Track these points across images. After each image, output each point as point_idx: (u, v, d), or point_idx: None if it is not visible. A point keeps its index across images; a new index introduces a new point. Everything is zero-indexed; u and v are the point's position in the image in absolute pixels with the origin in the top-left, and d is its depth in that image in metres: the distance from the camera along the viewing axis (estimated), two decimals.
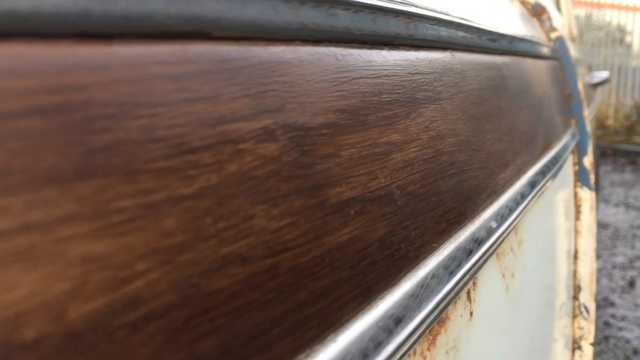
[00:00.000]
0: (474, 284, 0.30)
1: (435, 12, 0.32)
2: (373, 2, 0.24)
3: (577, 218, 0.71)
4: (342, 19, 0.21)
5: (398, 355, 0.19)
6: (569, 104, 0.75)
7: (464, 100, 0.31)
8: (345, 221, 0.18)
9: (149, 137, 0.12)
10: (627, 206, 4.52)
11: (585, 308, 0.68)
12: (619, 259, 3.37)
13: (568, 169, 0.72)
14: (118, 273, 0.11)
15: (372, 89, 0.21)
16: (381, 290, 0.19)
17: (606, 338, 2.42)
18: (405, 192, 0.22)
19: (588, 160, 0.72)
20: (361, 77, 0.21)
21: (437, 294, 0.23)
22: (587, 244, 0.69)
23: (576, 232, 0.71)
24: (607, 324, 2.55)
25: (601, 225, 4.01)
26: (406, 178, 0.23)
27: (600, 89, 8.72)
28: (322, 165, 0.17)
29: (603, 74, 1.85)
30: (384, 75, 0.23)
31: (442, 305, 0.23)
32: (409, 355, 0.22)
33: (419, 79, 0.26)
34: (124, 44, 0.13)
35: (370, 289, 0.18)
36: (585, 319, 0.67)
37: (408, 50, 0.24)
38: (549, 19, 0.80)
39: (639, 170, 5.87)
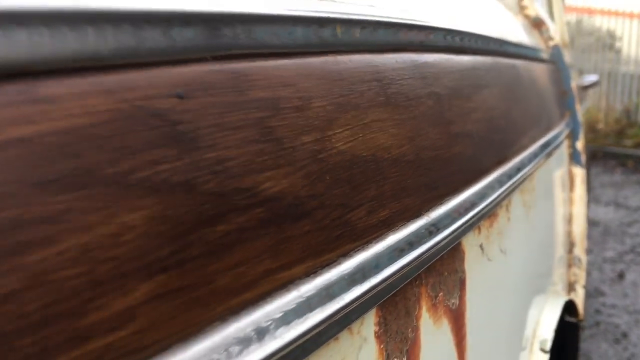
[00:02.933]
0: (510, 201, 0.48)
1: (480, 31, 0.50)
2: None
3: (571, 190, 0.89)
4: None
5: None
6: (565, 99, 0.93)
7: (499, 89, 0.49)
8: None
9: None
10: (617, 205, 4.71)
11: (579, 259, 0.86)
12: (609, 254, 3.55)
13: (564, 150, 0.90)
14: None
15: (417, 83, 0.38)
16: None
17: (597, 323, 2.60)
18: (472, 137, 0.39)
19: (580, 144, 0.91)
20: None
21: (489, 199, 0.40)
22: (579, 210, 0.87)
23: (571, 201, 0.89)
24: (598, 311, 2.73)
25: (592, 223, 4.20)
26: (473, 126, 0.40)
27: (591, 93, 8.92)
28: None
29: (592, 78, 2.03)
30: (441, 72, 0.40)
31: (491, 207, 0.41)
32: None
33: (478, 73, 0.44)
34: None
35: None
36: (579, 267, 0.85)
37: (461, 55, 0.41)
38: (547, 29, 0.99)
39: (628, 172, 6.06)
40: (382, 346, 0.25)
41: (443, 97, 0.35)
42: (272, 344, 0.17)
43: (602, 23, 9.30)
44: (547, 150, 0.64)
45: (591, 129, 8.08)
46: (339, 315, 0.21)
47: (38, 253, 0.12)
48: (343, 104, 0.24)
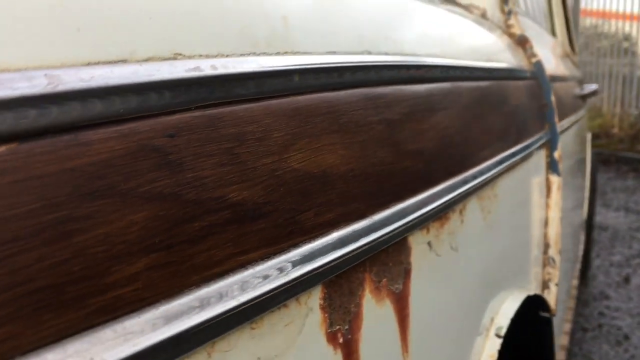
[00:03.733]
0: (464, 206, 0.56)
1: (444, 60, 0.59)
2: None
3: (547, 196, 0.97)
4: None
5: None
6: (544, 112, 1.01)
7: (457, 109, 0.57)
8: None
9: None
10: (627, 210, 4.74)
11: (553, 259, 0.93)
12: (617, 258, 3.60)
13: (541, 159, 0.98)
14: None
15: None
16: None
17: (600, 325, 2.66)
18: (428, 153, 0.48)
19: (557, 154, 0.98)
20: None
21: (436, 204, 0.48)
22: (554, 214, 0.95)
23: (547, 206, 0.97)
24: (601, 314, 2.79)
25: (601, 228, 4.24)
26: (428, 143, 0.49)
27: (605, 98, 8.90)
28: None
29: (592, 87, 2.10)
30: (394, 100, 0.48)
31: (440, 211, 0.49)
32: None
33: (434, 99, 0.52)
34: None
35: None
36: (552, 267, 0.93)
37: (416, 84, 0.49)
38: (531, 47, 1.06)
39: None
40: (326, 315, 0.33)
41: (394, 122, 0.43)
42: (231, 302, 0.25)
43: (618, 27, 9.26)
44: (512, 160, 0.72)
45: (606, 133, 8.08)
46: (286, 287, 0.29)
47: (80, 236, 0.21)
48: (298, 133, 0.33)
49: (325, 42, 0.39)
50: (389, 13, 0.55)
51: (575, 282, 2.10)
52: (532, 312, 0.90)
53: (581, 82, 2.14)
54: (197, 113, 0.27)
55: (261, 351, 0.28)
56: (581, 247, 2.47)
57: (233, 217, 0.27)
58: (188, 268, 0.24)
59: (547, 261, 0.92)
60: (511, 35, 1.06)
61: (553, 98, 1.02)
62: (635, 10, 9.14)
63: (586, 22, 10.09)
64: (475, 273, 0.59)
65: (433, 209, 0.47)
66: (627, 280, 3.22)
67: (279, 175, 0.30)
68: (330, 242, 0.33)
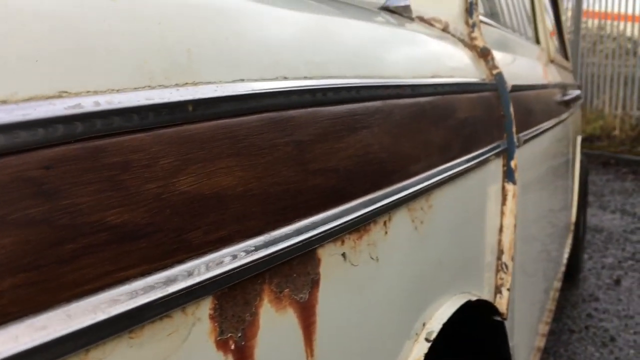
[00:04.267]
0: (390, 218, 0.60)
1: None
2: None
3: (503, 204, 1.00)
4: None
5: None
6: (502, 123, 1.04)
7: (385, 127, 0.61)
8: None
9: None
10: (623, 213, 4.75)
11: (505, 265, 0.97)
12: (609, 260, 3.62)
13: (498, 168, 1.01)
14: None
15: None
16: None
17: (587, 327, 2.68)
18: (348, 170, 0.51)
19: (514, 163, 1.02)
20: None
21: (351, 217, 0.51)
22: (509, 221, 0.98)
23: (502, 213, 1.00)
24: (589, 315, 2.81)
25: (595, 230, 4.26)
26: (356, 160, 0.52)
27: (607, 100, 8.89)
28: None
29: (576, 92, 2.13)
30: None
31: (363, 223, 0.52)
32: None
33: (357, 118, 0.56)
34: None
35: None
36: (505, 272, 0.96)
37: (334, 105, 0.52)
38: (492, 59, 1.10)
39: (639, 179, 6.09)
40: (216, 324, 0.37)
41: (304, 143, 0.46)
42: (101, 315, 0.29)
43: (625, 28, 9.22)
44: (455, 170, 0.75)
45: (607, 135, 8.08)
46: (167, 299, 0.33)
47: None
48: (190, 159, 0.36)
49: (233, 70, 0.43)
50: (318, 36, 0.58)
51: (557, 284, 2.12)
52: (486, 316, 0.93)
53: (566, 87, 2.16)
54: (77, 145, 0.30)
55: (140, 358, 0.32)
56: (567, 249, 2.49)
57: (111, 238, 0.30)
58: (57, 286, 0.28)
59: (500, 267, 0.95)
60: (474, 48, 1.09)
61: (512, 109, 1.05)
62: (638, 12, 9.14)
63: (589, 23, 10.09)
64: (405, 281, 0.62)
65: (347, 222, 0.50)
66: (617, 282, 3.24)
67: (164, 198, 0.34)
68: (221, 257, 0.37)
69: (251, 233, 0.40)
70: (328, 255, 0.48)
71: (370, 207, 0.54)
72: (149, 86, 0.35)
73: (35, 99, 0.29)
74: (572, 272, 3.18)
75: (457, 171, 0.77)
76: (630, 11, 9.36)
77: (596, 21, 9.98)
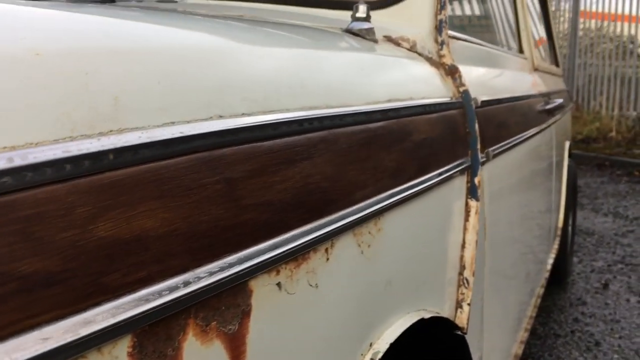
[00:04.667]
0: (332, 244, 0.62)
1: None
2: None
3: (466, 219, 1.02)
4: None
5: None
6: (467, 140, 1.06)
7: (329, 156, 0.63)
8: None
9: None
10: (616, 215, 4.77)
11: (466, 280, 0.99)
12: (599, 264, 3.64)
13: (462, 185, 1.03)
14: None
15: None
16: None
17: (572, 332, 2.70)
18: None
19: (477, 180, 1.04)
20: None
21: (287, 248, 0.54)
22: (471, 237, 1.00)
23: (465, 229, 1.02)
24: (576, 320, 2.84)
25: (587, 233, 4.28)
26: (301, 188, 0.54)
27: (604, 101, 8.89)
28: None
29: (558, 101, 2.15)
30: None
31: (301, 252, 0.55)
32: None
33: (297, 150, 0.58)
34: None
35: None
36: (466, 287, 0.98)
37: (270, 140, 0.55)
38: (460, 76, 1.12)
39: (634, 181, 6.10)
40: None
41: (236, 180, 0.49)
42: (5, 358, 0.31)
43: (623, 29, 9.21)
44: (409, 192, 0.78)
45: (603, 137, 8.09)
46: (81, 341, 0.35)
47: None
48: (109, 205, 0.38)
49: (164, 114, 0.45)
50: (262, 69, 0.60)
51: (540, 290, 2.15)
52: (447, 330, 0.96)
53: (550, 95, 2.18)
54: None
55: None
56: (552, 254, 2.51)
57: (21, 287, 0.33)
58: None
59: (461, 282, 0.97)
60: (442, 65, 1.11)
61: (477, 126, 1.07)
62: (636, 12, 9.15)
63: (587, 24, 10.11)
64: (348, 304, 0.65)
65: (283, 253, 0.52)
66: (605, 286, 3.26)
67: (80, 245, 0.36)
68: (140, 297, 0.39)
69: (174, 271, 0.42)
70: (261, 286, 0.50)
71: (309, 237, 0.56)
72: (70, 137, 0.38)
73: None
74: (560, 276, 3.20)
75: (412, 192, 0.79)
76: (627, 12, 9.35)
77: (594, 22, 9.99)
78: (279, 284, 0.53)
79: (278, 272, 0.53)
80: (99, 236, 0.37)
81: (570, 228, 3.41)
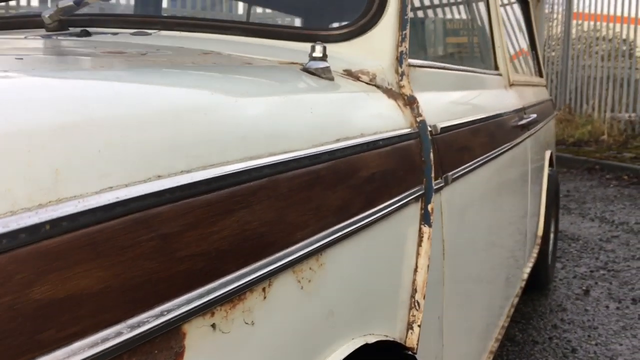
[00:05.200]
0: (270, 283, 0.68)
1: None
2: None
3: (419, 245, 1.08)
4: None
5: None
6: (422, 168, 1.12)
7: (269, 202, 0.69)
8: None
9: None
10: (602, 220, 4.83)
11: (417, 303, 1.05)
12: (581, 270, 3.70)
13: (416, 211, 1.09)
14: None
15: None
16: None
17: (550, 338, 2.76)
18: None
19: (430, 207, 1.10)
20: None
21: (221, 292, 0.59)
22: (423, 262, 1.06)
23: (417, 254, 1.08)
24: (555, 326, 2.90)
25: (572, 239, 4.34)
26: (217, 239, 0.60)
27: (595, 105, 8.94)
28: None
29: (532, 116, 2.21)
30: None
31: (237, 294, 0.60)
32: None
33: (235, 199, 0.64)
34: None
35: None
36: (417, 310, 1.04)
37: (205, 194, 0.61)
38: (417, 107, 1.17)
39: (622, 185, 6.17)
40: None
41: (171, 235, 0.55)
42: None
43: (618, 30, 9.25)
44: (352, 228, 0.83)
45: (595, 140, 8.15)
46: None
47: None
48: (46, 270, 0.44)
49: (103, 180, 0.51)
50: (205, 125, 0.66)
51: (514, 299, 2.21)
52: (399, 351, 1.02)
53: (525, 110, 2.24)
54: None
55: None
56: (529, 263, 2.57)
57: None
58: None
59: (412, 305, 1.03)
60: (402, 96, 1.17)
61: (432, 155, 1.13)
62: (633, 14, 9.21)
63: (584, 26, 10.17)
64: (286, 336, 0.70)
65: (218, 297, 0.58)
66: (586, 292, 3.33)
67: (17, 308, 0.42)
68: (74, 349, 0.45)
69: (107, 324, 0.48)
70: (195, 328, 0.56)
71: (245, 279, 0.62)
72: (10, 211, 0.43)
73: None
74: (542, 283, 3.26)
75: (358, 226, 0.85)
76: (619, 12, 9.38)
77: (587, 23, 10.04)
78: (213, 325, 0.59)
79: (213, 314, 0.59)
80: (35, 299, 0.43)
81: (552, 235, 3.47)
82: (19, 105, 0.52)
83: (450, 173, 1.27)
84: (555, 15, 10.43)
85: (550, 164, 3.24)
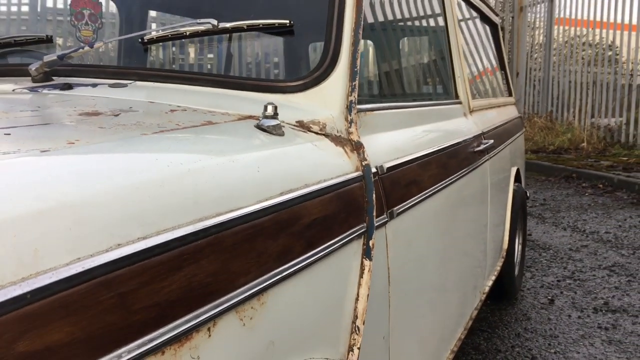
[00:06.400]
0: (215, 323, 0.82)
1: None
2: None
3: (360, 276, 1.23)
4: None
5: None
6: (366, 208, 1.27)
7: (214, 256, 0.84)
8: None
9: None
10: (574, 229, 5.00)
11: (357, 328, 1.20)
12: (549, 279, 3.87)
13: (358, 247, 1.24)
14: None
15: None
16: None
17: (513, 347, 2.93)
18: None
19: (372, 242, 1.25)
20: None
21: (178, 331, 0.74)
22: (364, 291, 1.21)
23: (359, 284, 1.23)
24: (517, 335, 3.06)
25: (543, 248, 4.51)
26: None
27: (577, 114, 9.11)
28: None
29: (489, 141, 2.37)
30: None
31: (184, 335, 0.75)
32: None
33: (187, 257, 0.79)
34: None
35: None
36: (357, 334, 1.20)
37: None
38: (363, 152, 1.33)
39: (597, 194, 6.35)
40: None
41: (129, 292, 0.69)
42: None
43: (602, 35, 9.43)
44: (292, 270, 0.98)
45: (575, 148, 8.33)
46: None
47: None
48: (27, 329, 0.58)
49: (72, 253, 0.65)
50: (156, 194, 0.80)
51: (474, 312, 2.36)
52: None
53: (482, 136, 2.40)
54: None
55: None
56: (491, 277, 2.73)
57: None
58: None
59: (353, 329, 1.19)
60: (350, 142, 1.32)
61: (374, 195, 1.28)
62: (619, 19, 9.40)
63: (571, 31, 10.37)
64: None
65: (167, 338, 0.73)
66: (551, 302, 3.49)
67: (5, 359, 0.56)
68: None
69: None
70: None
71: (192, 323, 0.77)
72: (1, 286, 0.58)
73: None
74: (508, 295, 3.42)
75: (298, 268, 1.00)
76: (605, 18, 9.54)
77: (575, 29, 10.23)
78: None
79: (163, 352, 0.74)
80: (19, 352, 0.58)
81: (520, 247, 3.63)
82: (4, 193, 0.66)
83: (396, 208, 1.43)
84: (537, 23, 10.63)
85: (517, 180, 3.41)
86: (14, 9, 2.36)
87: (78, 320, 0.63)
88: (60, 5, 2.22)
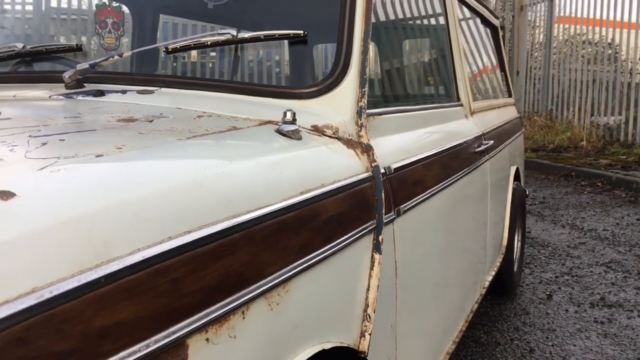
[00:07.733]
0: (248, 307, 0.94)
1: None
2: None
3: (371, 269, 1.35)
4: None
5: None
6: (375, 206, 1.39)
7: (245, 249, 0.95)
8: None
9: None
10: (572, 227, 5.12)
11: (369, 315, 1.32)
12: (547, 275, 3.98)
13: (369, 242, 1.36)
14: None
15: None
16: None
17: (512, 340, 3.04)
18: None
19: (381, 237, 1.36)
20: None
21: (219, 313, 0.86)
22: (374, 282, 1.33)
23: (370, 276, 1.35)
24: (516, 328, 3.18)
25: (542, 245, 4.63)
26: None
27: (577, 113, 9.21)
28: None
29: (489, 142, 2.48)
30: None
31: (224, 316, 0.86)
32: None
33: (225, 248, 0.90)
34: None
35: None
36: (368, 321, 1.31)
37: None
38: (373, 154, 1.44)
39: (595, 192, 6.47)
40: None
41: (179, 278, 0.81)
42: None
43: (602, 34, 9.51)
44: (312, 261, 1.10)
45: (574, 146, 8.44)
46: None
47: None
48: (102, 308, 0.70)
49: (130, 245, 0.77)
50: (194, 194, 0.92)
51: (474, 306, 2.48)
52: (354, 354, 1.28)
53: (482, 137, 2.51)
54: None
55: None
56: (491, 273, 2.84)
57: None
58: None
59: (365, 317, 1.30)
60: (360, 145, 1.43)
61: (383, 194, 1.40)
62: (618, 17, 9.50)
63: (571, 30, 10.47)
64: (261, 346, 0.97)
65: (210, 319, 0.85)
66: (549, 297, 3.61)
67: (84, 331, 0.68)
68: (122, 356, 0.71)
69: (138, 340, 0.74)
70: (195, 342, 0.83)
71: (229, 306, 0.88)
72: (80, 271, 0.70)
73: None
74: (507, 290, 3.54)
75: (317, 259, 1.12)
76: (604, 16, 9.62)
77: (575, 27, 10.33)
78: (207, 339, 0.85)
79: (207, 330, 0.85)
80: (96, 326, 0.69)
81: (519, 243, 3.75)
82: (77, 193, 0.78)
83: (402, 206, 1.54)
84: (538, 22, 10.72)
85: (517, 178, 3.52)
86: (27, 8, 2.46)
87: (140, 301, 0.75)
88: (64, 5, 2.33)
